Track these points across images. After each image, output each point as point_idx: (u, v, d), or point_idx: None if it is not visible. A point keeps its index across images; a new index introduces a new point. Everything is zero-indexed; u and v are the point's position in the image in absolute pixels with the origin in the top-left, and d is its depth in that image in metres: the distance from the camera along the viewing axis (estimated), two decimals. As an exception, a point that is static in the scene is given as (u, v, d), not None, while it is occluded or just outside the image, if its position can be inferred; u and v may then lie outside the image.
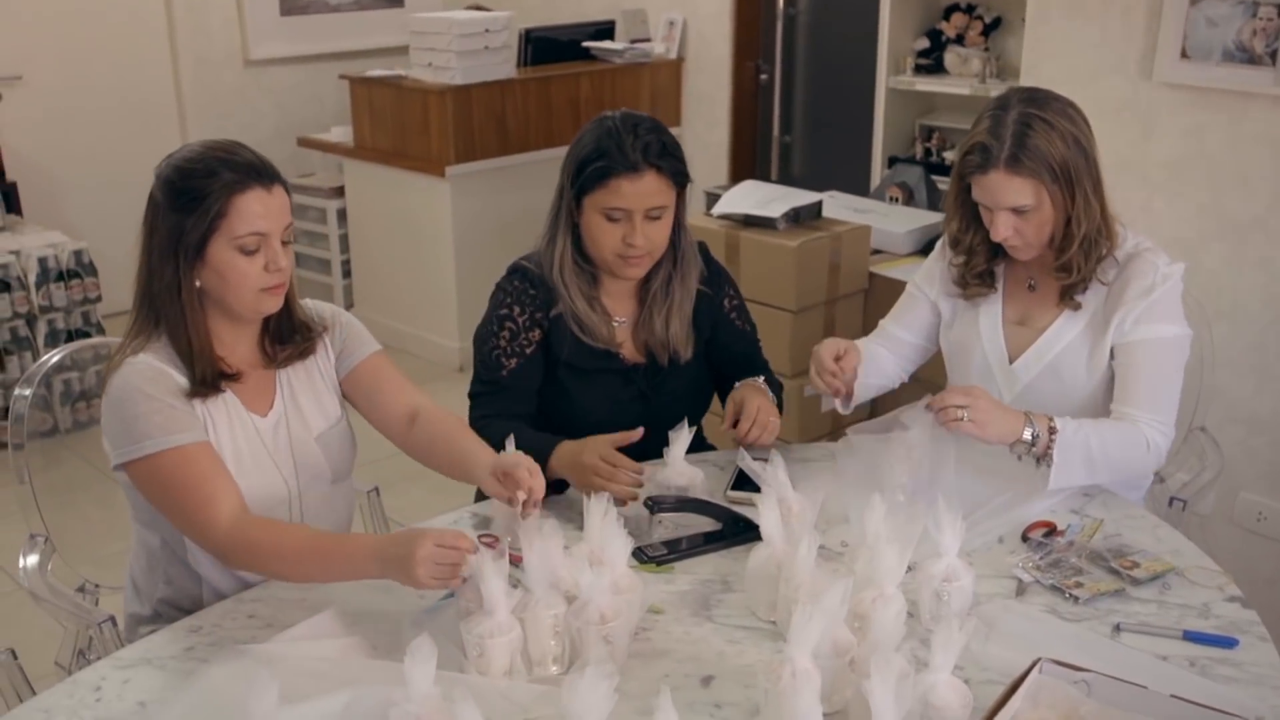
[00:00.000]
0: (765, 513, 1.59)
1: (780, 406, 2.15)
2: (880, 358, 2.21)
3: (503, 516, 1.78)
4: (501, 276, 2.14)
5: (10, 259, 3.90)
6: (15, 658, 1.69)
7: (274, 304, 1.71)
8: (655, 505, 1.82)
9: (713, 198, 3.54)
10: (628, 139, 1.96)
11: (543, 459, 1.81)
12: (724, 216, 3.38)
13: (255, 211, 1.63)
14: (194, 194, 1.62)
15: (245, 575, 1.74)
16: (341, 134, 4.98)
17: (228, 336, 1.74)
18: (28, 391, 1.97)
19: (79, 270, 4.01)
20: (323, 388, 1.86)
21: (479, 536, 1.81)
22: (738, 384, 2.11)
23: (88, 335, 4.05)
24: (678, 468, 1.90)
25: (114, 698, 1.45)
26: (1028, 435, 1.86)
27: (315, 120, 5.48)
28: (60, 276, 3.98)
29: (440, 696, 1.27)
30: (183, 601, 1.78)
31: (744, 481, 1.91)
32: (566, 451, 1.90)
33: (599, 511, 1.58)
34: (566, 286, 2.06)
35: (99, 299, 4.09)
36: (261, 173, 1.66)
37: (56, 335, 4.01)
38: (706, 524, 1.84)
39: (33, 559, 1.91)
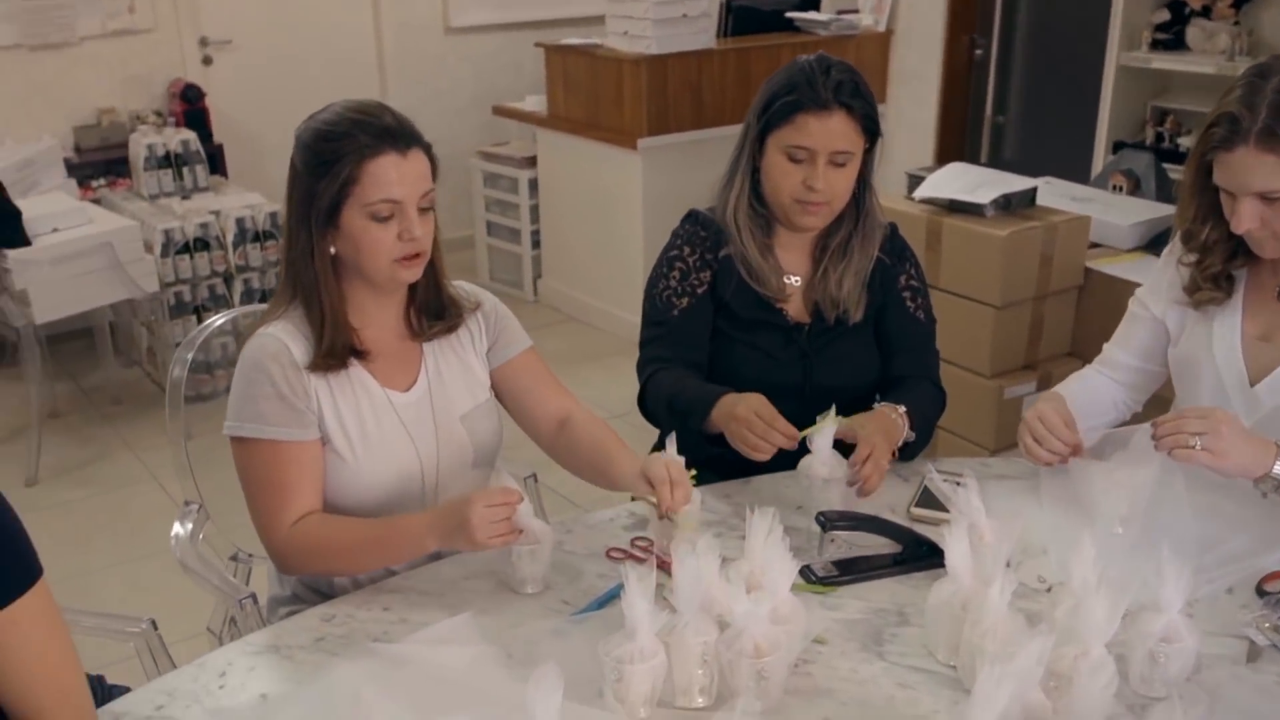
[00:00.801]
0: (953, 542, 1.39)
1: (926, 438, 1.94)
2: (1103, 391, 1.94)
3: (658, 521, 1.64)
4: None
5: (211, 219, 4.01)
6: (155, 628, 1.66)
7: (410, 274, 1.62)
8: (828, 522, 1.64)
9: (915, 180, 3.29)
10: (820, 77, 1.86)
11: (706, 409, 1.79)
12: (927, 201, 3.14)
13: (389, 178, 1.55)
14: (327, 158, 1.55)
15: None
16: (536, 103, 4.93)
17: (370, 306, 1.66)
18: (188, 355, 1.94)
19: (274, 231, 4.08)
20: (473, 365, 1.76)
21: (632, 540, 1.69)
22: (876, 403, 1.89)
23: (281, 295, 4.13)
24: (822, 456, 1.73)
25: (237, 686, 1.38)
26: (1279, 470, 1.58)
27: (511, 89, 5.45)
28: (256, 237, 4.06)
29: (564, 731, 1.13)
30: (319, 584, 1.72)
31: (930, 499, 1.71)
32: (727, 402, 1.79)
33: (762, 529, 1.42)
34: (739, 230, 1.96)
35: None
36: (398, 137, 1.57)
37: (252, 294, 4.10)
38: (884, 545, 1.65)
39: (185, 527, 1.88)
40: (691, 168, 4.43)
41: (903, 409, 1.86)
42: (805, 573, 1.57)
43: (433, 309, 1.70)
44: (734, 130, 2.02)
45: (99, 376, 4.38)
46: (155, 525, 1.95)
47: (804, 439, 1.73)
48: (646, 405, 1.98)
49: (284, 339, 1.60)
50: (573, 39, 4.73)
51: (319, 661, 1.42)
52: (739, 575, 1.41)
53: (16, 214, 3.45)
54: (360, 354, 1.64)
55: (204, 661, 1.43)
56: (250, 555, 1.96)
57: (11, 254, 3.43)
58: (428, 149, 1.60)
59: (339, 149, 1.55)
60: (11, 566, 1.09)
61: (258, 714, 1.33)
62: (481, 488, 1.76)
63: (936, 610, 1.42)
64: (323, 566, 1.62)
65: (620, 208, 4.57)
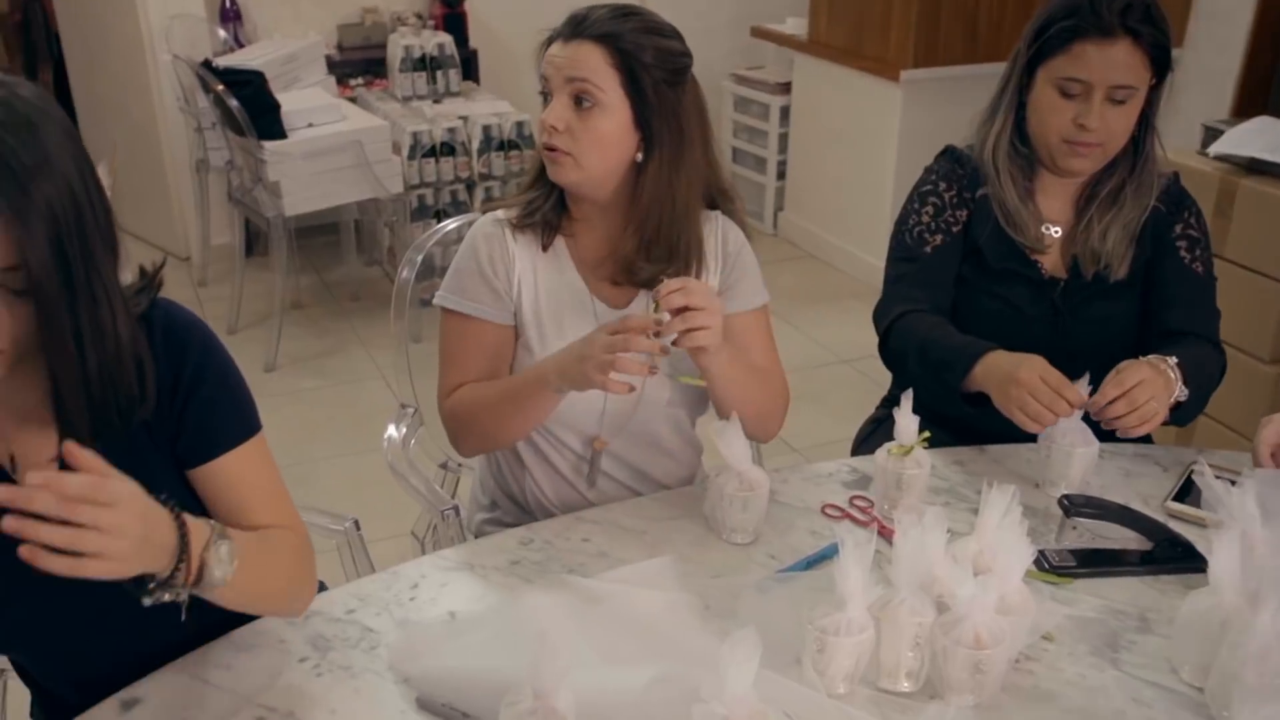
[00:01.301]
0: (1220, 549, 1.21)
1: (1201, 401, 1.68)
2: None
3: (882, 477, 1.51)
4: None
5: (459, 124, 4.04)
6: (358, 528, 1.66)
7: (556, 173, 1.54)
8: (1072, 506, 1.47)
9: (1212, 134, 2.95)
10: None
11: (968, 364, 1.62)
12: (1222, 158, 2.81)
13: None
14: None
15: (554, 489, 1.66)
16: (796, 26, 4.72)
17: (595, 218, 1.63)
18: (417, 257, 1.92)
19: (518, 141, 4.08)
20: None
21: (851, 499, 1.57)
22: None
23: (519, 206, 4.15)
24: (1068, 425, 1.55)
25: (427, 600, 1.35)
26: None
27: (771, 9, 5.25)
28: (501, 146, 4.08)
29: (756, 699, 1.04)
30: (513, 489, 1.70)
31: (1193, 494, 1.51)
32: (1000, 361, 1.60)
33: (999, 507, 1.27)
34: (998, 171, 1.79)
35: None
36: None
37: (490, 200, 4.12)
38: (1132, 539, 1.47)
39: (399, 430, 1.87)
40: (957, 105, 4.07)
41: (1173, 359, 1.62)
42: (1039, 559, 1.42)
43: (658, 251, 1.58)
44: (1009, 69, 1.82)
45: (341, 272, 4.54)
46: (377, 422, 1.96)
47: None
48: (890, 349, 1.80)
49: (503, 219, 1.60)
50: (840, -41, 4.49)
51: (512, 585, 1.38)
52: (966, 554, 1.28)
53: (275, 107, 3.57)
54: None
55: (398, 570, 1.41)
56: (459, 465, 1.94)
57: (268, 145, 3.55)
58: (604, 39, 1.50)
59: None
60: (242, 416, 1.24)
61: (444, 630, 1.30)
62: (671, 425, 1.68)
63: (1189, 623, 1.24)
64: (476, 431, 1.59)
65: (875, 144, 4.34)
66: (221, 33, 4.43)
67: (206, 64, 3.66)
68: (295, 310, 4.22)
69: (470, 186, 4.12)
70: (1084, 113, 1.67)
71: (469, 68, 4.64)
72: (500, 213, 1.62)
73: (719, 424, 1.45)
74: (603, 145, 1.51)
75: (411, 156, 3.97)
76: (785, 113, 4.88)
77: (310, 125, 3.65)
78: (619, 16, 1.51)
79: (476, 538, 1.73)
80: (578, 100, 1.50)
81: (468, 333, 1.59)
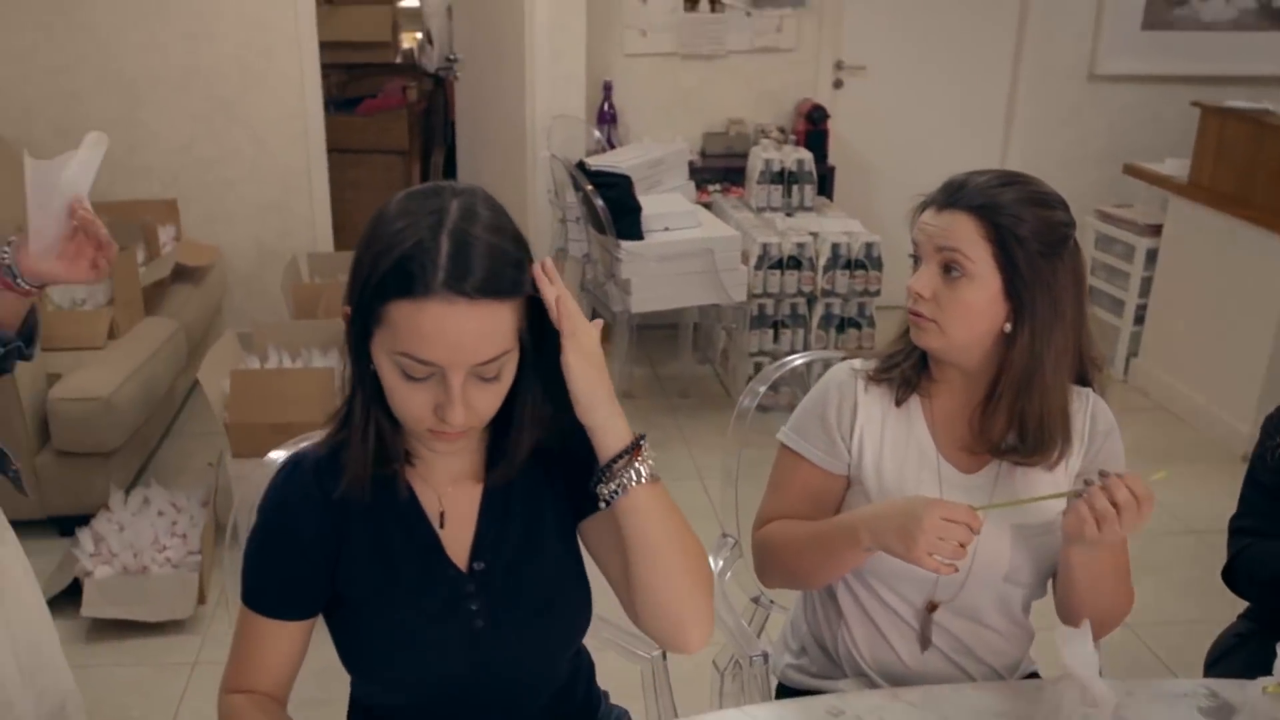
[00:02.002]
0: None
1: None
2: None
3: (1252, 718, 1.32)
4: None
5: (808, 239, 4.05)
6: (664, 659, 1.64)
7: (920, 338, 1.50)
8: None
9: None
10: None
11: None
12: None
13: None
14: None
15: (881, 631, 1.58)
16: (1175, 167, 4.43)
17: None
18: (760, 388, 1.90)
19: (865, 262, 4.04)
20: (1044, 480, 1.53)
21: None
22: None
23: (858, 326, 4.10)
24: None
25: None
26: None
27: (1149, 147, 4.98)
28: (848, 265, 4.05)
29: None
30: (825, 639, 1.62)
31: None
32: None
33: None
34: None
35: (878, 293, 4.10)
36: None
37: (830, 319, 4.10)
38: None
39: (716, 561, 1.85)
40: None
41: None
42: None
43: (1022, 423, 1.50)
44: None
45: (674, 367, 4.63)
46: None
47: None
48: (1236, 581, 1.70)
49: (859, 370, 1.58)
50: (1238, 101, 4.19)
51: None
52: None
53: (637, 209, 3.72)
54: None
55: (701, 720, 1.37)
56: (771, 602, 1.89)
57: (625, 245, 3.70)
58: (979, 210, 1.44)
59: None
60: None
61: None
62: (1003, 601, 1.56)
63: None
64: (780, 567, 1.59)
65: (1254, 301, 3.97)
66: (596, 133, 4.70)
67: (580, 165, 3.88)
68: (626, 399, 4.32)
69: (811, 301, 4.11)
70: None
71: (824, 183, 4.67)
72: (857, 363, 1.60)
73: (1067, 631, 1.32)
74: (969, 315, 1.44)
75: (758, 266, 4.01)
76: (1152, 255, 4.56)
77: (667, 229, 3.77)
78: (998, 186, 1.44)
79: (780, 684, 1.67)
80: (946, 269, 1.45)
81: (798, 471, 1.59)
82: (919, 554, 1.33)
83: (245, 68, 4.47)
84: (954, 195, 1.46)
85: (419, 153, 5.59)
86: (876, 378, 1.55)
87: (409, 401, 1.16)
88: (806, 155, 4.42)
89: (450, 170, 5.57)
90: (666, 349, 4.79)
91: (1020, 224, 1.41)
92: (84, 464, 3.22)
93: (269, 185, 4.63)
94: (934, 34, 5.06)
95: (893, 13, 5.01)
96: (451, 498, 1.30)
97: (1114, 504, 1.31)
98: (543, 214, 4.67)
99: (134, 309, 3.72)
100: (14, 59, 4.34)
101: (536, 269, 1.18)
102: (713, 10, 4.82)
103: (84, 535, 3.02)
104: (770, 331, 4.11)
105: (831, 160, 4.85)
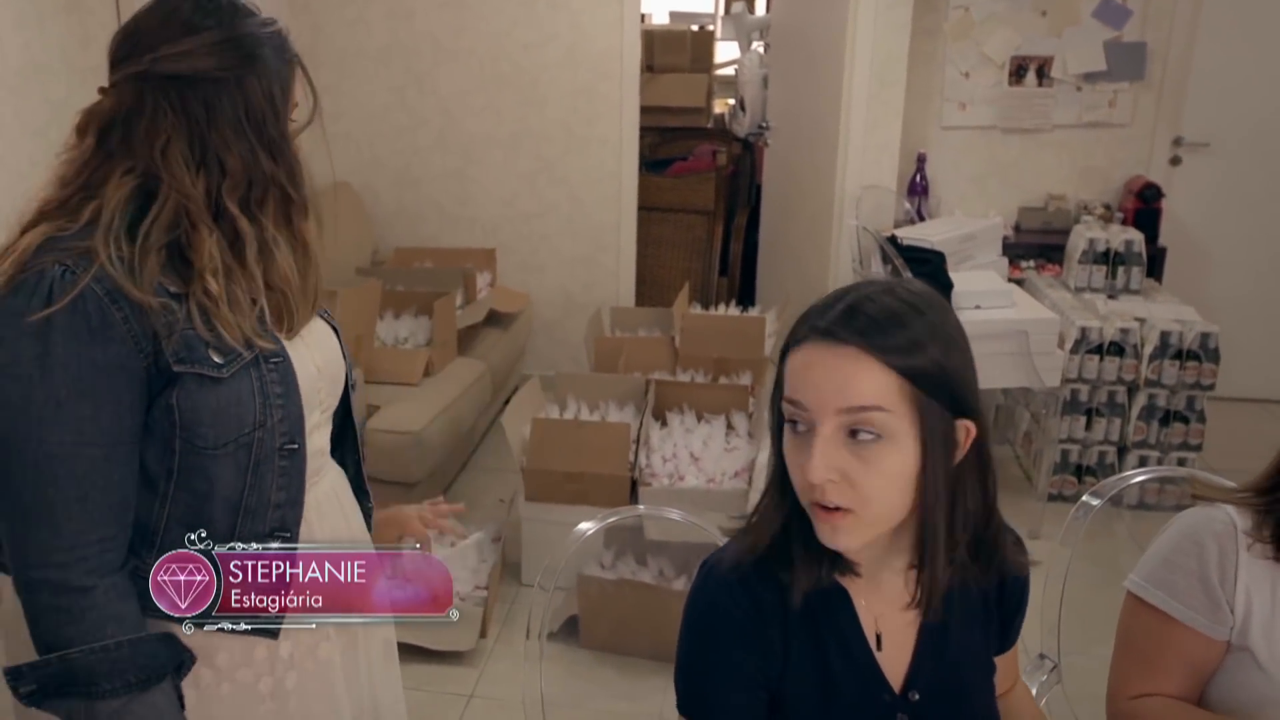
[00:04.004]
0: None
1: None
2: None
3: None
4: None
5: (1134, 325, 3.76)
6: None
7: None
8: None
9: None
10: None
11: None
12: None
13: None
14: None
15: None
16: None
17: None
18: (1095, 502, 1.73)
19: (1200, 353, 3.70)
20: None
21: None
22: None
23: (1185, 421, 3.76)
24: None
25: None
26: None
27: None
28: (1178, 355, 3.73)
29: None
30: None
31: None
32: None
33: None
34: None
35: (1211, 387, 3.75)
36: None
37: (1153, 411, 3.78)
38: None
39: (1032, 685, 1.68)
40: None
41: None
42: None
43: None
44: None
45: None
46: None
47: None
48: None
49: (1234, 519, 1.37)
50: None
51: None
52: None
53: (949, 286, 3.57)
54: None
55: None
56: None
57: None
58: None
59: None
60: None
61: None
62: None
63: None
64: None
65: None
66: (906, 205, 4.59)
67: (892, 239, 3.79)
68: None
69: (1133, 391, 3.81)
70: None
71: (1153, 265, 4.34)
72: (1232, 511, 1.38)
73: None
74: None
75: (1075, 350, 3.76)
76: None
77: (978, 307, 3.61)
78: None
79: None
80: None
81: (1170, 638, 1.39)
82: None
83: (570, 132, 4.68)
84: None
85: (723, 214, 5.65)
86: (1258, 535, 1.35)
87: (789, 459, 1.14)
88: (1136, 235, 4.13)
89: (752, 232, 5.60)
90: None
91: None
92: (389, 492, 3.39)
93: (581, 239, 4.80)
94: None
95: (1241, 88, 4.63)
96: (888, 619, 1.23)
97: None
98: (846, 282, 4.58)
99: (449, 349, 3.92)
100: (369, 118, 4.74)
101: None
102: (1040, 85, 4.63)
103: (385, 561, 3.17)
104: (1083, 419, 3.83)
105: (1163, 241, 4.52)
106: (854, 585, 1.20)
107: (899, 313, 1.11)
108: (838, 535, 1.11)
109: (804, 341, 1.12)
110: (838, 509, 1.10)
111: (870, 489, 1.09)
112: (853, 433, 1.09)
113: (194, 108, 1.24)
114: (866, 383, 1.08)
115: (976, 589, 1.23)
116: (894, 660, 1.21)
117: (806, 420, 1.10)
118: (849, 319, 1.10)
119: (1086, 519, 1.71)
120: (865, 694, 1.20)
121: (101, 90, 1.28)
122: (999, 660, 1.31)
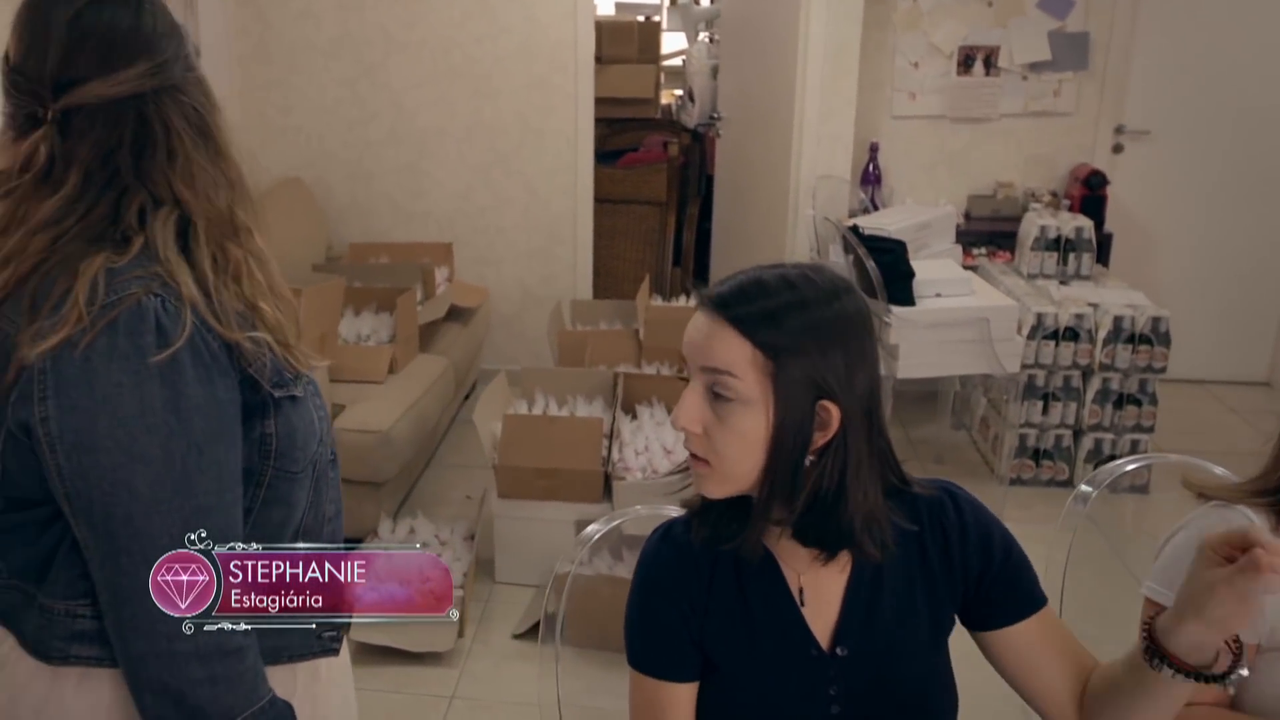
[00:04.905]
0: None
1: None
2: None
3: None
4: None
5: (1087, 310, 3.86)
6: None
7: None
8: None
9: None
10: None
11: None
12: None
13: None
14: None
15: None
16: None
17: None
18: (1091, 492, 1.77)
19: (1151, 337, 3.81)
20: None
21: None
22: None
23: (1138, 403, 3.86)
24: None
25: None
26: None
27: None
28: (1130, 339, 3.82)
29: None
30: None
31: None
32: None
33: None
34: None
35: (1163, 370, 3.85)
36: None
37: (1107, 394, 3.88)
38: None
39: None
40: None
41: None
42: None
43: None
44: None
45: (927, 431, 4.50)
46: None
47: None
48: None
49: (1253, 520, 1.36)
50: None
51: None
52: None
53: (910, 275, 3.63)
54: None
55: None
56: None
57: (896, 310, 3.61)
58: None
59: None
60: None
61: None
62: None
63: None
64: None
65: None
66: (860, 194, 4.64)
67: (854, 229, 3.83)
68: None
69: (1087, 375, 3.90)
70: None
71: (1102, 251, 4.44)
72: (1249, 512, 1.38)
73: None
74: None
75: (1031, 336, 3.84)
76: None
77: (938, 295, 3.67)
78: None
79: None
80: None
81: None
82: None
83: (525, 123, 4.66)
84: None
85: (675, 204, 5.66)
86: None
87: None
88: (1086, 223, 4.22)
89: (705, 222, 5.62)
90: (921, 412, 4.65)
91: None
92: (358, 492, 3.36)
93: (537, 232, 4.79)
94: (1225, 97, 4.76)
95: (1181, 76, 4.75)
96: (810, 576, 1.26)
97: None
98: (801, 272, 4.62)
99: (411, 346, 3.89)
100: (320, 112, 4.67)
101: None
102: (987, 74, 4.70)
103: (357, 561, 3.14)
104: (1040, 403, 3.92)
105: (1109, 227, 4.62)
106: (777, 545, 1.26)
107: (771, 288, 1.18)
108: (700, 483, 1.21)
109: (698, 306, 1.22)
110: (702, 460, 1.19)
111: (722, 445, 1.17)
112: (716, 394, 1.17)
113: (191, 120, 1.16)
114: (720, 349, 1.17)
115: (918, 548, 1.26)
116: (821, 617, 1.26)
117: (690, 375, 1.21)
118: (727, 290, 1.19)
119: (1085, 508, 1.75)
120: (791, 648, 1.25)
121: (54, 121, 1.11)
122: (1028, 630, 1.26)
